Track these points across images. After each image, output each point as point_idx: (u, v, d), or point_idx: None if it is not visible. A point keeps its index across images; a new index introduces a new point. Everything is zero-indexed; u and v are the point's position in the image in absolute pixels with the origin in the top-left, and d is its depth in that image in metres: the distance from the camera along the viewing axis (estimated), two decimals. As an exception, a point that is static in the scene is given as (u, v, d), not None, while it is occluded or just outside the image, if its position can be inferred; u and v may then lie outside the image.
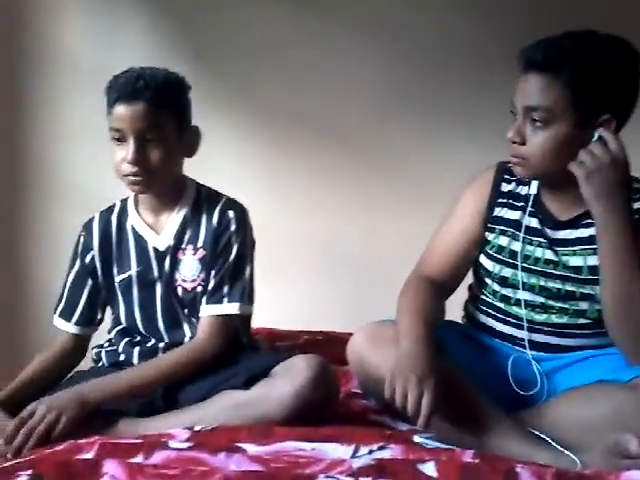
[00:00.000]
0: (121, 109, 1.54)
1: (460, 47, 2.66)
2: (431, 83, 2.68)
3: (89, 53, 2.68)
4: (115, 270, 1.69)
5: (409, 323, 1.45)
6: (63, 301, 1.74)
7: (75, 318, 1.71)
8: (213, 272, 1.63)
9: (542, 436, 1.37)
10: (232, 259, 1.63)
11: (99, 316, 1.75)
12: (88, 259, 1.71)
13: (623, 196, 1.38)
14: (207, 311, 1.62)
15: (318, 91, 2.69)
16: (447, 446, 1.35)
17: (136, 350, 1.66)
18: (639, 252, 1.40)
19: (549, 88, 1.40)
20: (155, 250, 1.66)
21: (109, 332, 1.74)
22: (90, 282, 1.71)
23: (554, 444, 1.35)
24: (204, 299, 1.63)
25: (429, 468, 1.20)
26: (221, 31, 2.67)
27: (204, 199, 1.68)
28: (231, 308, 1.62)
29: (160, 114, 1.56)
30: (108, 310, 1.76)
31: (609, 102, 1.40)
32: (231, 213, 1.65)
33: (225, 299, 1.62)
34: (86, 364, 1.76)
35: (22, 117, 2.68)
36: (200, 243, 1.64)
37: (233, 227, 1.64)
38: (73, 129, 2.69)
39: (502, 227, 1.58)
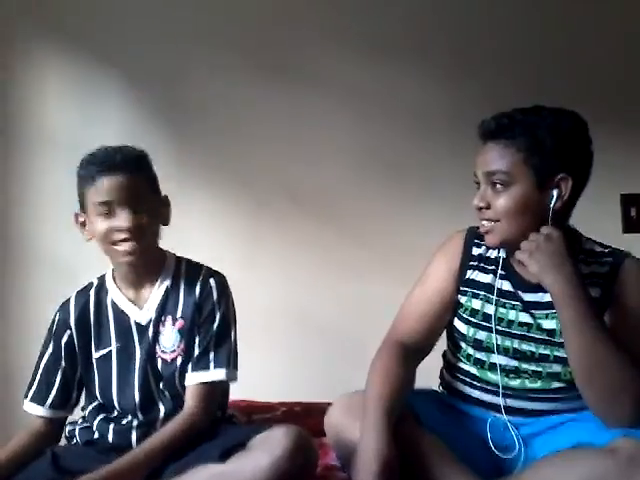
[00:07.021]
0: (108, 181, 1.56)
1: (436, 114, 2.71)
2: (407, 151, 2.72)
3: (66, 130, 2.72)
4: (93, 347, 1.68)
5: (372, 412, 1.44)
6: (35, 384, 1.70)
7: (49, 401, 1.68)
8: (197, 340, 1.63)
9: (521, 503, 1.36)
10: (216, 326, 1.64)
11: (74, 398, 1.71)
12: (65, 339, 1.69)
13: (568, 264, 1.42)
14: (194, 379, 1.62)
15: (295, 162, 2.73)
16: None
17: (111, 427, 1.64)
18: (597, 316, 1.42)
19: (504, 153, 1.49)
20: (137, 325, 1.66)
21: (83, 409, 1.71)
22: (64, 364, 1.69)
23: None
24: (189, 367, 1.62)
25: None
26: (199, 105, 2.72)
27: (184, 271, 1.69)
28: (218, 374, 1.62)
29: (141, 184, 1.60)
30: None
31: (562, 163, 1.47)
32: (212, 281, 1.67)
33: (211, 364, 1.62)
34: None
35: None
36: (179, 314, 1.65)
37: (215, 295, 1.65)
38: (49, 204, 2.70)
39: (474, 290, 1.60)
